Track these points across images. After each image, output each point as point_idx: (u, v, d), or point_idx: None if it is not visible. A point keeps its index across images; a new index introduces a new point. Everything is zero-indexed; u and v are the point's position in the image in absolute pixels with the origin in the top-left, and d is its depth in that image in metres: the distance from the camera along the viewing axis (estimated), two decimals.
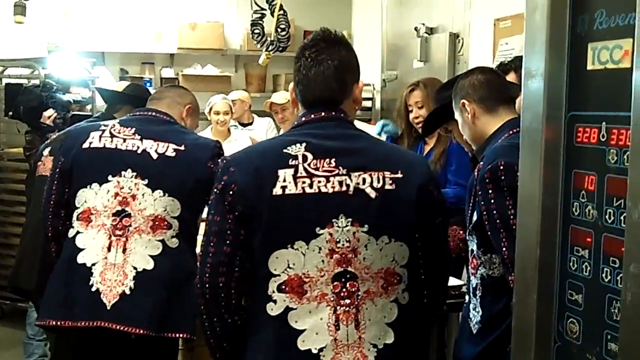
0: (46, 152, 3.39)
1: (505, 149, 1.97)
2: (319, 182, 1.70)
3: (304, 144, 1.73)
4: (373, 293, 1.73)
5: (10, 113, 4.04)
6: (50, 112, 3.92)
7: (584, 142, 1.18)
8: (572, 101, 1.20)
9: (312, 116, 1.80)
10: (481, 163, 2.02)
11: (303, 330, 1.68)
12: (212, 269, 1.72)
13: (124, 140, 2.45)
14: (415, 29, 5.00)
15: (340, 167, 1.71)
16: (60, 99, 3.97)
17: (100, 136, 2.46)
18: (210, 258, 1.72)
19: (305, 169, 1.70)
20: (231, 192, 1.69)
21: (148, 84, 6.96)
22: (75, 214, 2.41)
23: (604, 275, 1.15)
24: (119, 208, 2.37)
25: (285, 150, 1.72)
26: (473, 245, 2.10)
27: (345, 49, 1.83)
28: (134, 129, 2.48)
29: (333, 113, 1.80)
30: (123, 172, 2.40)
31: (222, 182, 1.71)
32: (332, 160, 1.71)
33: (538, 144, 1.22)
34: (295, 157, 1.71)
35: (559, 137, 1.21)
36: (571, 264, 1.21)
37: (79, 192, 2.42)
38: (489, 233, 1.97)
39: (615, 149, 1.13)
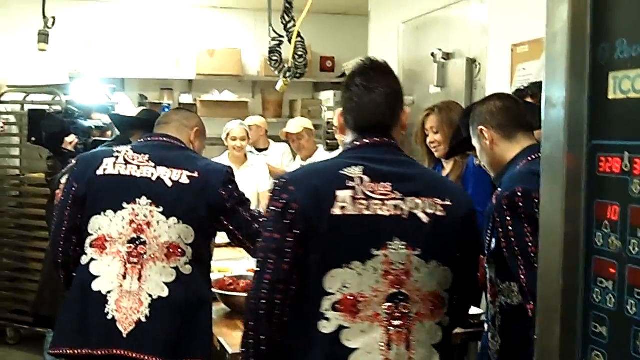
0: (64, 179, 3.40)
1: (524, 176, 1.96)
2: (375, 204, 1.78)
3: (361, 167, 1.80)
4: (422, 315, 1.80)
5: (33, 139, 4.07)
6: (71, 138, 3.96)
7: (607, 171, 1.16)
8: (593, 130, 1.18)
9: (366, 141, 1.88)
10: (499, 190, 2.01)
11: (355, 349, 1.74)
12: (270, 286, 1.76)
13: (138, 167, 2.46)
14: (432, 54, 5.01)
15: (396, 192, 1.80)
16: (81, 125, 4.01)
17: (115, 163, 2.47)
18: (269, 275, 1.76)
19: (362, 192, 1.78)
20: (292, 211, 1.75)
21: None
22: (88, 241, 2.41)
23: (628, 307, 1.13)
24: (134, 235, 2.38)
25: (342, 172, 1.80)
26: (492, 273, 2.08)
27: (393, 77, 1.95)
28: (147, 155, 2.49)
29: (385, 139, 1.89)
30: (138, 200, 2.40)
31: (283, 201, 1.77)
32: (388, 185, 1.80)
33: (559, 174, 1.21)
34: (353, 179, 1.78)
35: (581, 167, 1.19)
36: (595, 295, 1.19)
37: (92, 219, 2.42)
38: (507, 261, 1.95)
39: (638, 178, 1.11)
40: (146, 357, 2.27)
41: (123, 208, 2.40)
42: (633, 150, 1.12)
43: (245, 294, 2.73)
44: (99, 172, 2.46)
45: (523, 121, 2.19)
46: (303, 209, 1.75)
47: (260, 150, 6.07)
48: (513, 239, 1.92)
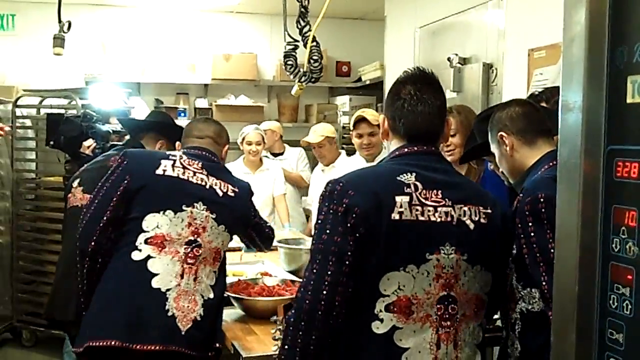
0: (75, 183, 3.41)
1: (545, 181, 1.94)
2: (429, 211, 1.85)
3: (413, 174, 1.88)
4: (468, 316, 1.90)
5: (52, 143, 4.08)
6: (89, 142, 3.97)
7: (624, 176, 1.15)
8: (611, 135, 1.17)
9: (415, 148, 1.96)
10: (520, 195, 2.00)
11: (407, 349, 1.82)
12: (330, 287, 1.80)
13: (194, 173, 2.60)
14: (448, 59, 4.99)
15: (446, 199, 1.88)
16: (99, 129, 4.02)
17: (173, 165, 2.58)
18: (329, 277, 1.80)
19: (417, 198, 1.85)
20: (354, 215, 1.80)
21: (182, 114, 7.06)
22: (142, 237, 2.47)
23: None
24: (192, 238, 2.51)
25: (398, 178, 1.86)
26: (512, 279, 2.06)
27: (440, 87, 2.03)
28: (201, 163, 2.64)
29: (433, 148, 1.98)
30: (195, 204, 2.54)
31: (344, 205, 1.81)
32: (439, 192, 1.88)
33: (576, 179, 1.19)
34: (409, 186, 1.85)
35: (598, 172, 1.18)
36: (611, 301, 1.18)
37: (149, 217, 2.49)
38: (528, 267, 1.94)
39: None
40: (201, 354, 2.43)
41: (183, 210, 2.52)
42: None
43: (260, 298, 2.75)
44: (159, 171, 2.55)
45: (543, 127, 2.17)
46: (365, 213, 1.80)
47: (275, 155, 6.08)
48: (535, 245, 1.91)
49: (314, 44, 3.54)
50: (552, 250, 1.80)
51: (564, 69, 1.23)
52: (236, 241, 4.02)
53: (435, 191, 1.87)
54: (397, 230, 1.81)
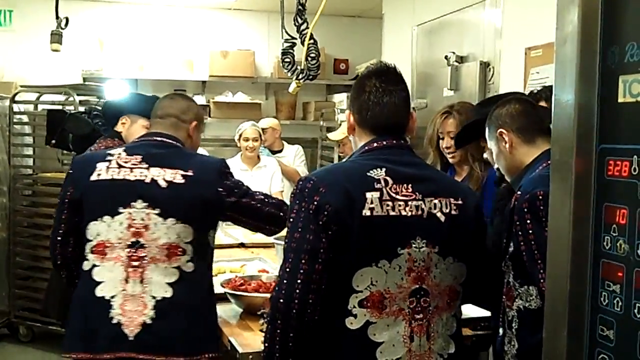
0: None
1: (544, 179, 1.94)
2: (399, 205, 1.85)
3: (383, 169, 1.88)
4: (441, 308, 1.91)
5: (53, 141, 3.91)
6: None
7: (615, 175, 1.16)
8: (602, 134, 1.19)
9: (385, 143, 1.96)
10: (518, 193, 2.00)
11: (381, 343, 1.83)
12: (303, 286, 1.81)
13: (132, 169, 2.45)
14: (446, 57, 4.99)
15: (417, 193, 1.88)
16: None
17: (108, 167, 2.47)
18: (302, 275, 1.81)
19: (388, 193, 1.85)
20: (326, 213, 1.80)
21: None
22: (88, 247, 2.43)
23: (635, 310, 1.13)
24: (133, 239, 2.39)
25: (368, 174, 1.86)
26: (509, 277, 2.07)
27: (404, 81, 2.03)
28: (140, 156, 2.48)
29: (402, 141, 1.99)
30: (133, 203, 2.41)
31: (315, 203, 1.82)
32: (409, 186, 1.88)
33: (568, 177, 1.21)
34: (379, 181, 1.85)
35: (590, 170, 1.19)
36: (602, 298, 1.19)
37: (90, 225, 2.43)
38: (526, 264, 1.94)
39: None
40: (154, 357, 2.31)
41: (119, 213, 2.41)
42: None
43: (256, 294, 2.75)
44: (93, 177, 2.46)
45: (542, 125, 2.18)
46: (336, 210, 1.80)
47: (274, 152, 6.10)
48: (533, 242, 1.91)
49: (312, 41, 3.54)
50: None
51: (557, 68, 1.25)
52: (244, 235, 4.03)
53: (405, 185, 1.88)
54: (368, 227, 1.81)
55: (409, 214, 1.86)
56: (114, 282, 2.38)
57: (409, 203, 1.86)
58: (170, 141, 2.56)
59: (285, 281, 1.83)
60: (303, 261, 1.80)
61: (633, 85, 1.13)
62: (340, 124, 5.67)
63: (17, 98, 5.65)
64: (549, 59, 3.82)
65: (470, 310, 2.52)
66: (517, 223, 1.96)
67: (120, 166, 2.46)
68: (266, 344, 1.88)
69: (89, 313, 2.39)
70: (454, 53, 4.95)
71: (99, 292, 2.38)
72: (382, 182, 1.85)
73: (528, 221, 1.93)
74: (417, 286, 1.86)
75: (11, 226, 5.59)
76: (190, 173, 2.45)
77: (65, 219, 2.52)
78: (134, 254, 2.38)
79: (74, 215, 2.50)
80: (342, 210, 1.80)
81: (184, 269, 2.40)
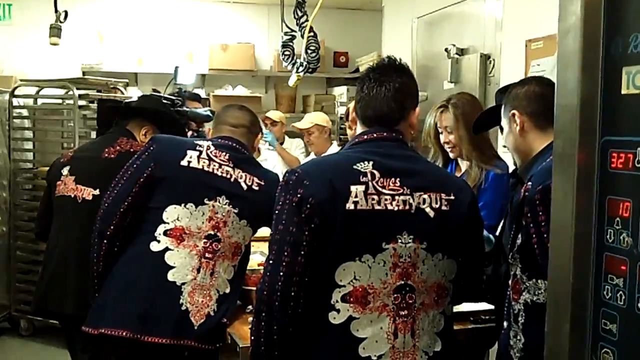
0: (65, 171, 3.16)
1: None
2: (386, 199, 1.82)
3: (371, 162, 1.85)
4: (427, 305, 1.87)
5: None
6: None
7: (619, 167, 1.15)
8: (606, 126, 1.17)
9: (374, 135, 1.93)
10: (529, 184, 1.94)
11: (364, 339, 1.80)
12: (285, 279, 1.80)
13: (220, 165, 2.56)
14: (446, 50, 4.99)
15: (405, 187, 1.85)
16: (197, 114, 3.89)
17: (199, 157, 2.54)
18: (285, 268, 1.80)
19: (374, 187, 1.82)
20: (308, 205, 1.79)
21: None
22: (161, 228, 2.46)
23: (639, 304, 1.12)
24: (212, 232, 2.49)
25: (355, 167, 1.84)
26: (516, 270, 2.00)
27: (407, 75, 1.99)
28: (228, 154, 2.59)
29: (393, 134, 1.94)
30: (218, 198, 2.51)
31: (298, 195, 1.80)
32: (397, 180, 1.85)
33: (571, 170, 1.20)
34: (365, 174, 1.82)
35: (593, 163, 1.18)
36: (605, 292, 1.18)
37: (170, 208, 2.48)
38: (538, 257, 1.89)
39: None
40: (207, 347, 2.41)
41: (205, 204, 2.49)
42: None
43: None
44: (183, 162, 2.51)
45: None
46: (319, 203, 1.78)
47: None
48: (546, 235, 1.84)
49: (312, 34, 3.53)
50: None
51: (560, 60, 1.23)
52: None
53: (393, 179, 1.84)
54: (352, 220, 1.79)
55: (396, 208, 1.83)
56: (186, 269, 2.43)
57: (396, 197, 1.83)
58: (243, 149, 2.68)
59: (268, 273, 1.82)
60: (285, 253, 1.80)
61: (637, 77, 1.12)
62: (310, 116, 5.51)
63: (16, 92, 5.63)
64: (549, 51, 3.81)
65: (472, 303, 2.50)
66: (529, 215, 1.88)
67: (210, 159, 2.56)
68: (252, 337, 1.87)
69: (156, 296, 2.41)
70: (454, 45, 4.94)
71: (171, 276, 2.42)
72: (369, 175, 1.83)
73: (540, 213, 1.85)
74: (402, 282, 1.83)
75: (12, 220, 5.59)
76: (263, 182, 2.62)
77: (136, 192, 2.49)
78: (210, 246, 2.47)
79: (146, 191, 2.50)
80: (325, 203, 1.78)
81: (236, 268, 2.55)
